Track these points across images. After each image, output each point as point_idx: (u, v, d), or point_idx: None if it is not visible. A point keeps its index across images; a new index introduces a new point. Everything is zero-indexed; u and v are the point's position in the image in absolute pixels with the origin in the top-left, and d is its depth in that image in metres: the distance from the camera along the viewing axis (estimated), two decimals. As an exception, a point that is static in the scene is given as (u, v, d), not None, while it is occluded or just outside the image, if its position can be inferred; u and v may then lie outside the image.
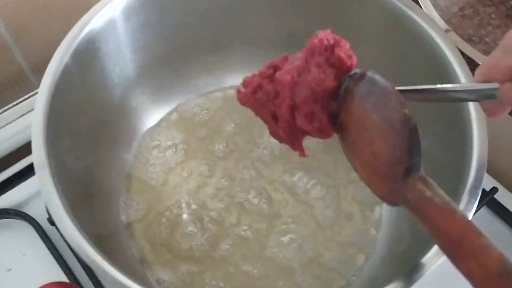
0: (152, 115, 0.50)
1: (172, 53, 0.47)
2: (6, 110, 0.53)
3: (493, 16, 0.50)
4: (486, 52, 0.47)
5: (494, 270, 0.22)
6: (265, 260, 0.43)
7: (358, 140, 0.28)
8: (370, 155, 0.27)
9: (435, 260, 0.31)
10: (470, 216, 0.32)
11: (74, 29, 0.38)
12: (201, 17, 0.46)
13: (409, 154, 0.26)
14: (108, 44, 0.40)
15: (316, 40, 0.29)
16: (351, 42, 0.45)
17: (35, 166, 0.31)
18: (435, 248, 0.31)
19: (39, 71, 0.59)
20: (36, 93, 0.52)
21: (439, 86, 0.28)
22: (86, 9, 0.57)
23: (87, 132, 0.40)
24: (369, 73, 0.28)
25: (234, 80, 0.52)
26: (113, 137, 0.45)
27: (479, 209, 0.48)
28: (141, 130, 0.49)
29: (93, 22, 0.39)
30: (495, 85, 0.26)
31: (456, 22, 0.49)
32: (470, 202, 0.32)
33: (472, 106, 0.36)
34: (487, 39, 0.49)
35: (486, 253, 0.22)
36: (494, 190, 0.49)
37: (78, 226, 0.30)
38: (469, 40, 0.48)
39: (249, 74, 0.50)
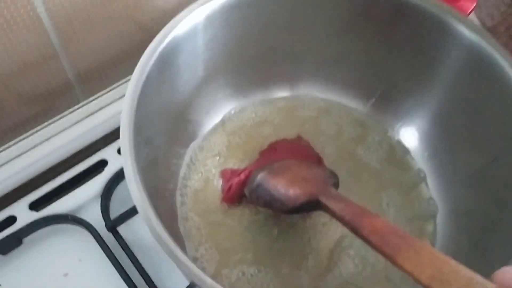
0: (204, 125, 0.51)
1: (230, 65, 0.48)
2: (56, 120, 0.54)
3: (541, 36, 0.52)
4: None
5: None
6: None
7: (295, 170, 0.43)
8: (306, 174, 0.42)
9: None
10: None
11: (159, 35, 0.38)
12: (264, 31, 0.47)
13: (332, 176, 0.44)
14: (183, 54, 0.41)
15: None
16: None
17: (127, 181, 0.32)
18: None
19: (84, 82, 0.60)
20: (84, 104, 0.55)
21: None
22: (134, 21, 0.59)
23: (155, 141, 0.41)
24: None
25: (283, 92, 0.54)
26: (173, 144, 0.46)
27: None
28: (195, 139, 0.50)
29: (177, 29, 0.39)
30: None
31: (503, 43, 0.50)
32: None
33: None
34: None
35: (376, 217, 0.34)
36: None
37: (168, 232, 0.31)
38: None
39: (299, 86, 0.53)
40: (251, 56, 0.49)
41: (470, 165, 0.44)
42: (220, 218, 0.46)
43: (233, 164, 0.50)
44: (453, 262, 0.29)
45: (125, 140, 0.33)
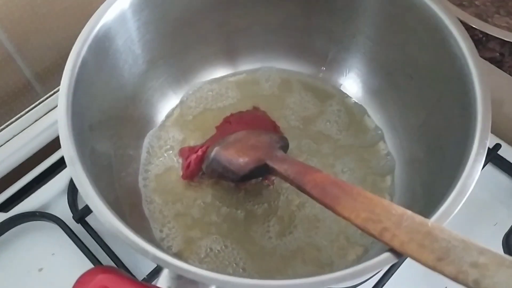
0: (161, 109, 0.52)
1: (175, 47, 0.49)
2: (16, 119, 0.54)
3: (480, -20, 0.52)
4: (477, 15, 0.49)
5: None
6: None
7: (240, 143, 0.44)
8: (254, 142, 0.44)
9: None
10: (479, 168, 0.34)
11: (89, 23, 0.39)
12: (202, 10, 0.47)
13: (280, 141, 0.45)
14: (119, 39, 0.41)
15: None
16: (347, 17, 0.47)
17: (66, 161, 0.33)
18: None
19: (43, 80, 0.60)
20: (43, 101, 0.55)
21: None
22: (86, 16, 0.58)
23: (105, 127, 0.42)
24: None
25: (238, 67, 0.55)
26: (128, 131, 0.47)
27: (484, 166, 0.50)
28: (151, 125, 0.51)
29: (106, 16, 0.40)
30: None
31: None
32: (479, 154, 0.34)
33: (472, 66, 0.37)
34: (477, 2, 0.50)
35: (318, 172, 0.36)
36: (498, 146, 0.51)
37: (115, 214, 0.31)
38: (460, 5, 0.50)
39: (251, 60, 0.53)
40: (193, 37, 0.49)
41: (416, 117, 0.45)
42: (182, 198, 0.47)
43: (194, 143, 0.50)
44: (385, 202, 0.31)
45: (63, 126, 0.34)
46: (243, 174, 0.42)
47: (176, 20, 0.46)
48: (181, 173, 0.48)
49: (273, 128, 0.50)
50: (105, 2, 0.40)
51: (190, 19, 0.47)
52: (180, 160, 0.49)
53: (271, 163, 0.40)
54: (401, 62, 0.45)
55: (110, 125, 0.43)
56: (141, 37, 0.44)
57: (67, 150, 0.33)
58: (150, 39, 0.45)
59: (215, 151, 0.44)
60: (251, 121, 0.50)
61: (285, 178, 0.39)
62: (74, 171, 0.32)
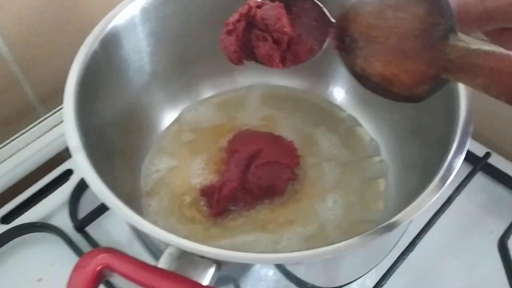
0: (160, 121, 0.53)
1: (177, 61, 0.51)
2: (18, 137, 0.56)
3: None
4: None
5: None
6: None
7: (377, 39, 0.29)
8: (396, 41, 0.28)
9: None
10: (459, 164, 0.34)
11: (101, 22, 0.41)
12: (200, 26, 0.49)
13: (443, 15, 0.26)
14: (128, 43, 0.43)
15: None
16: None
17: (70, 150, 0.34)
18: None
19: (46, 102, 0.61)
20: (43, 119, 0.57)
21: None
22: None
23: (110, 124, 0.43)
24: None
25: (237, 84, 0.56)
26: (128, 136, 0.48)
27: (475, 174, 0.51)
28: (152, 139, 0.52)
29: (117, 19, 0.42)
30: None
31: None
32: (462, 143, 0.35)
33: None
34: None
35: None
36: (488, 155, 0.53)
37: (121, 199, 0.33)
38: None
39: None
40: (197, 51, 0.51)
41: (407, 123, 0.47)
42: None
43: (193, 160, 0.51)
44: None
45: (69, 112, 0.35)
46: (416, 98, 0.29)
47: (178, 34, 0.48)
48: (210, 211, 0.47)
49: (290, 147, 0.49)
50: (117, 6, 0.42)
51: (192, 35, 0.49)
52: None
53: (453, 78, 0.27)
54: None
55: (115, 125, 0.44)
56: (145, 47, 0.46)
57: (72, 141, 0.34)
58: (152, 51, 0.47)
59: (362, 64, 0.30)
60: (267, 138, 0.50)
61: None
62: (79, 159, 0.33)
